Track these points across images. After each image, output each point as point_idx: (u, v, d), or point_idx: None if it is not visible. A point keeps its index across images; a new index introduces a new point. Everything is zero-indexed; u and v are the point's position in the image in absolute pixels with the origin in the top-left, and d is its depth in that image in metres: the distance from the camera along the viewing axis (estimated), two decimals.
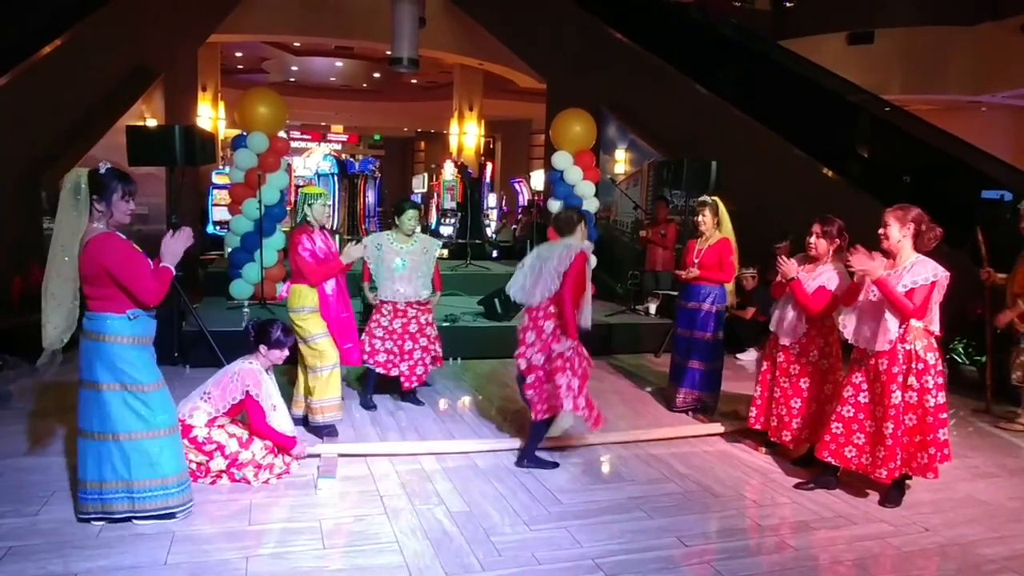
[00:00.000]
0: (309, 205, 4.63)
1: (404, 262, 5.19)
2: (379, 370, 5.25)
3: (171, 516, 3.38)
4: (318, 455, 4.23)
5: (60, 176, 7.63)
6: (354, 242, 4.67)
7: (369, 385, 5.37)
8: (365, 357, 5.18)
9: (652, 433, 4.97)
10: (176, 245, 3.36)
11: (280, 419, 4.04)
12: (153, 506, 3.35)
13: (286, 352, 4.18)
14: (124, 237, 3.34)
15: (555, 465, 4.29)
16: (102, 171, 3.26)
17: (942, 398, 3.77)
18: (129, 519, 3.34)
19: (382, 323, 5.27)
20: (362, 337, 5.18)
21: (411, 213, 5.22)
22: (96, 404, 3.30)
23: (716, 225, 5.23)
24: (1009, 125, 14.82)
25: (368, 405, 5.32)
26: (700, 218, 5.24)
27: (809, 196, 8.22)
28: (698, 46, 10.84)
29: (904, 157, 8.92)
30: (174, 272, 3.36)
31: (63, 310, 3.19)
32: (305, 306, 4.55)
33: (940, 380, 3.77)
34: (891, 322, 3.70)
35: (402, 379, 5.32)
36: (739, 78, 10.16)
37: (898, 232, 3.73)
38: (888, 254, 3.78)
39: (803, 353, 4.37)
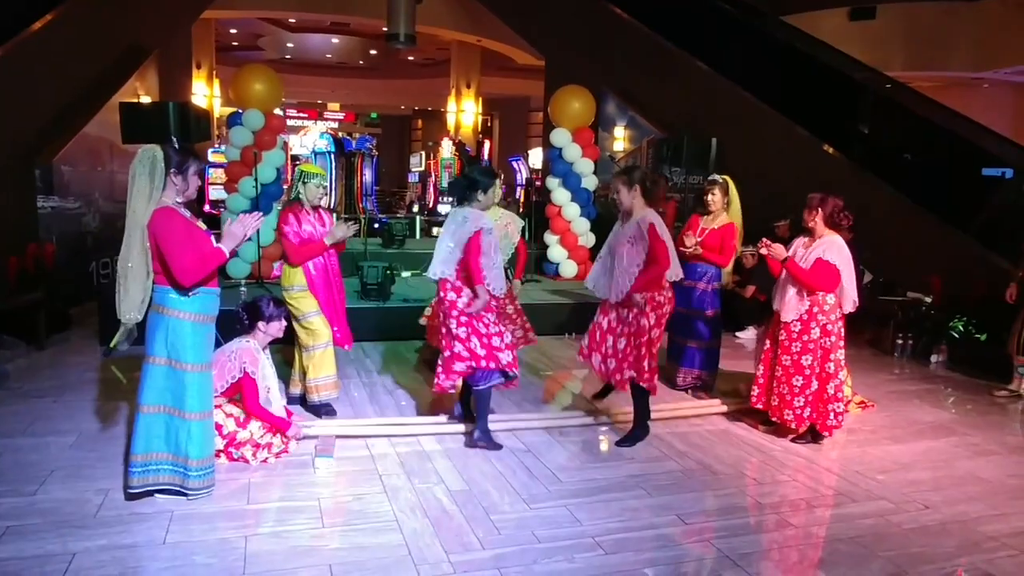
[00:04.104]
0: (304, 183, 4.56)
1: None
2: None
3: (182, 494, 3.38)
4: (316, 437, 4.20)
5: (53, 155, 7.61)
6: (344, 221, 4.55)
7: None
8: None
9: (652, 412, 4.95)
10: (235, 228, 3.28)
11: (273, 402, 4.03)
12: (168, 479, 3.35)
13: (284, 322, 4.18)
14: (188, 214, 3.32)
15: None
16: (176, 146, 3.32)
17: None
18: (148, 494, 3.36)
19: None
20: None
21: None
22: (144, 376, 3.31)
23: (725, 205, 5.18)
24: (1011, 102, 14.73)
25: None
26: (709, 196, 5.20)
27: (810, 175, 8.16)
28: (697, 22, 10.72)
29: (905, 134, 8.85)
30: (227, 256, 3.28)
31: (139, 282, 3.18)
32: (295, 285, 4.50)
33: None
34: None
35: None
36: (739, 55, 10.05)
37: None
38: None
39: (805, 330, 4.36)
